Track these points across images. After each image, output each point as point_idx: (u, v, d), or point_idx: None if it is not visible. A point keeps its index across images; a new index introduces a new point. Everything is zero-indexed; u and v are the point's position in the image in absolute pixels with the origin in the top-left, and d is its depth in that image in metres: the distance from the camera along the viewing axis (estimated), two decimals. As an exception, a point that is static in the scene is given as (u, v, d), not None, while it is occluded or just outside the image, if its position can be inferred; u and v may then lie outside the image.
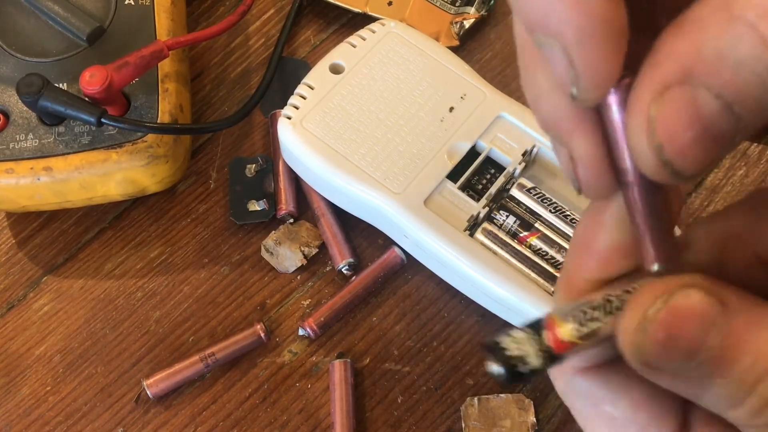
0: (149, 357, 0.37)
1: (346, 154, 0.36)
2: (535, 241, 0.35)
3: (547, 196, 0.36)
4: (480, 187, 0.37)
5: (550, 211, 0.36)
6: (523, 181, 0.37)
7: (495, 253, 0.35)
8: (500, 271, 0.34)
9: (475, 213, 0.36)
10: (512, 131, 0.37)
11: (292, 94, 0.38)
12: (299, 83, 0.38)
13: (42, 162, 0.36)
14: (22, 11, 0.39)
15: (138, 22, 0.39)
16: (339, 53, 0.39)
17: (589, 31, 0.15)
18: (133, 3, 0.39)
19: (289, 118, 0.37)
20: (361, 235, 0.39)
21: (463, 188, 0.36)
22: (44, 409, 0.37)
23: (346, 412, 0.35)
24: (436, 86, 0.38)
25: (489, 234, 0.35)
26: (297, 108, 0.37)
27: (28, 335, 0.38)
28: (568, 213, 0.36)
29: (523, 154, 0.37)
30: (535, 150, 0.37)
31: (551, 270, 0.35)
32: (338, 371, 0.36)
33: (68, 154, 0.36)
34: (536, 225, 0.36)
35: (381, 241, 0.39)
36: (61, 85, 0.37)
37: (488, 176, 0.37)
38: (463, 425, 0.35)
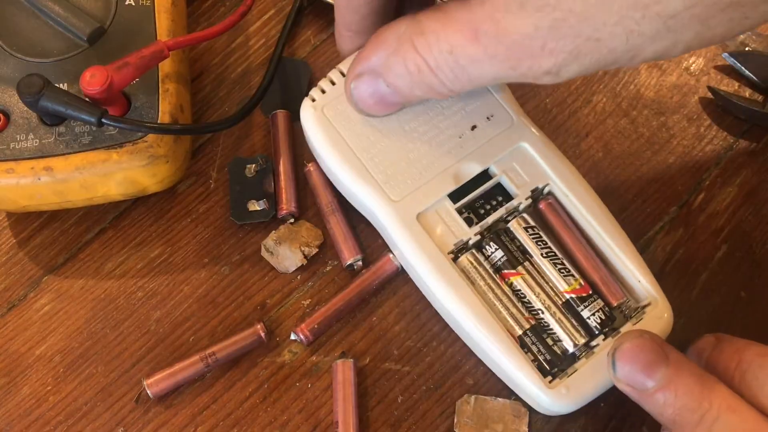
0: (149, 357, 0.37)
1: (356, 150, 0.36)
2: (517, 281, 0.35)
3: (543, 238, 0.35)
4: (482, 211, 0.36)
5: (542, 254, 0.35)
6: (525, 217, 0.36)
7: (473, 282, 0.35)
8: (470, 303, 0.34)
9: (465, 239, 0.35)
10: (528, 164, 0.36)
11: (293, 94, 0.38)
12: (299, 83, 0.38)
13: (42, 162, 0.36)
14: (22, 11, 0.39)
15: (138, 22, 0.39)
16: None
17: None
18: (133, 3, 0.39)
19: (314, 100, 0.37)
20: (361, 235, 0.39)
21: (461, 210, 0.36)
22: (45, 408, 0.37)
23: (350, 413, 0.35)
24: (465, 101, 0.37)
25: (473, 263, 0.35)
26: (323, 92, 0.37)
27: (29, 335, 0.38)
28: (558, 260, 0.35)
29: (533, 191, 0.36)
30: (546, 189, 0.36)
31: (523, 315, 0.34)
32: (342, 371, 0.36)
33: (69, 154, 0.36)
34: (523, 265, 0.35)
35: (381, 240, 0.39)
36: (61, 86, 0.37)
37: (493, 203, 0.36)
38: (456, 420, 0.35)
